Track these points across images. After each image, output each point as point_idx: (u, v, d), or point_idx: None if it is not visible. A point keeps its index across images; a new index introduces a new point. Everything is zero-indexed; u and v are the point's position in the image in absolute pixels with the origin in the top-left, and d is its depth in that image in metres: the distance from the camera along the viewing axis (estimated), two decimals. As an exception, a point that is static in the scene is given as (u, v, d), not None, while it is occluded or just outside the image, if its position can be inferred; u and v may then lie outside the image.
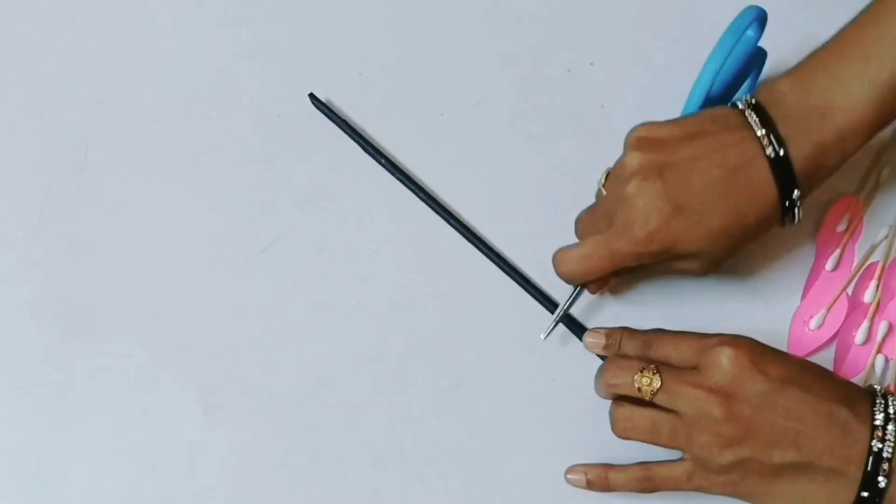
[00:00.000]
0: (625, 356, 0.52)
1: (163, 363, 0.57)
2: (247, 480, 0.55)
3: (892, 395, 0.47)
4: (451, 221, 0.58)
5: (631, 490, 0.51)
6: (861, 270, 0.57)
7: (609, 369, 0.51)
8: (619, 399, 0.51)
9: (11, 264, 0.59)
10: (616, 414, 0.50)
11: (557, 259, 0.53)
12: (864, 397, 0.47)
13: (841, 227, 0.58)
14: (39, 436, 0.56)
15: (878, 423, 0.45)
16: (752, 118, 0.49)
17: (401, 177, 0.59)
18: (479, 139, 0.60)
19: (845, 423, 0.45)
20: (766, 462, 0.46)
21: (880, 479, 0.45)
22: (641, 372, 0.49)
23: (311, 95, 0.60)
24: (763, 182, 0.48)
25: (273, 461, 0.56)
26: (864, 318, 0.56)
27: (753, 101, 0.49)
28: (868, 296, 0.56)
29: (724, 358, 0.47)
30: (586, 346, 0.54)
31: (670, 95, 0.59)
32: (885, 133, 0.59)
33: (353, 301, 0.58)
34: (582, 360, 0.55)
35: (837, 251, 0.57)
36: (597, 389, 0.52)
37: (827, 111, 0.48)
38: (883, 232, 0.58)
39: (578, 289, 0.55)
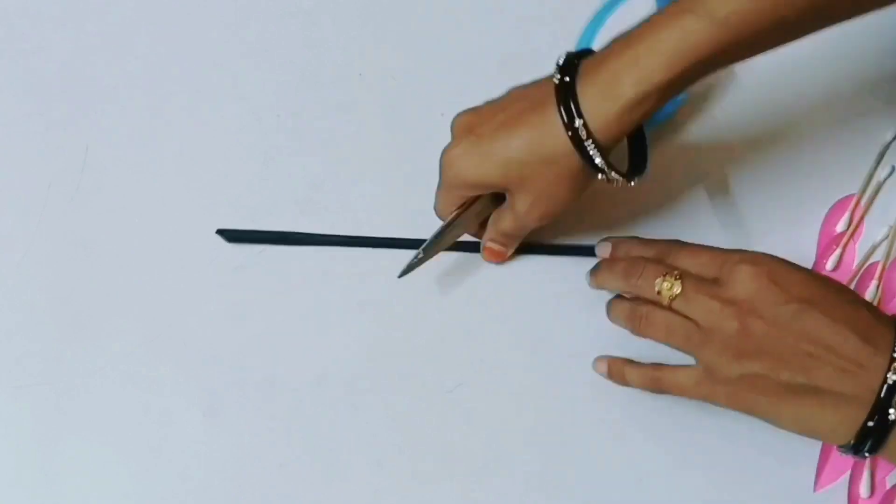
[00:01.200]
0: (644, 259, 0.51)
1: (163, 363, 0.57)
2: (247, 480, 0.55)
3: None
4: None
5: (642, 387, 0.51)
6: (862, 270, 0.57)
7: (631, 270, 0.50)
8: (636, 298, 0.51)
9: (11, 264, 0.59)
10: (636, 311, 0.50)
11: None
12: (888, 326, 0.45)
13: (841, 228, 0.58)
14: (39, 436, 0.56)
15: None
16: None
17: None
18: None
19: (860, 352, 0.44)
20: (774, 379, 0.46)
21: (891, 411, 0.44)
22: (664, 276, 0.48)
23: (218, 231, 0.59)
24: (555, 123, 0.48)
25: (273, 461, 0.56)
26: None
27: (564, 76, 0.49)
28: (868, 296, 0.56)
29: (745, 274, 0.46)
30: (597, 253, 0.54)
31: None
32: (887, 134, 0.59)
33: (353, 301, 0.58)
34: (582, 360, 0.55)
35: (838, 251, 0.57)
36: (609, 284, 0.52)
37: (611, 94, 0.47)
38: (883, 231, 0.58)
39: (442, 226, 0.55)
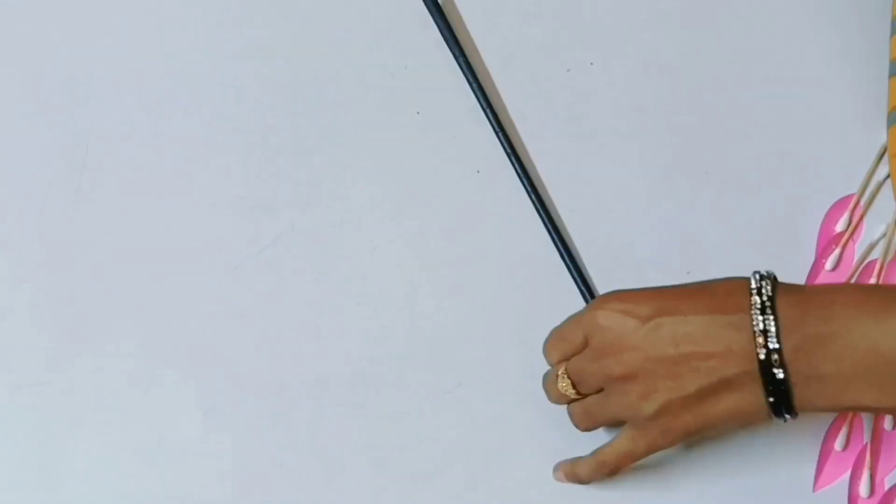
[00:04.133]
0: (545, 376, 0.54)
1: (163, 363, 0.57)
2: (247, 480, 0.55)
3: (766, 277, 0.47)
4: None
5: (600, 478, 0.53)
6: (860, 269, 0.57)
7: (544, 387, 0.54)
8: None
9: (11, 264, 0.59)
10: (568, 412, 0.53)
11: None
12: (739, 291, 0.47)
13: (840, 227, 0.58)
14: (39, 436, 0.56)
15: (755, 314, 0.45)
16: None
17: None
18: (479, 139, 0.60)
19: (728, 327, 0.46)
20: (683, 395, 0.47)
21: (776, 371, 0.45)
22: (557, 380, 0.51)
23: None
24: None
25: (273, 461, 0.56)
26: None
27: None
28: (868, 295, 0.56)
29: (598, 319, 0.48)
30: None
31: (670, 96, 0.59)
32: (887, 134, 0.59)
33: (353, 301, 0.58)
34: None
35: (837, 251, 0.57)
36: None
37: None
38: (881, 229, 0.57)
39: None
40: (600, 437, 0.54)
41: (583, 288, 0.56)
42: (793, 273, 0.57)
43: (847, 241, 0.57)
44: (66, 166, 0.61)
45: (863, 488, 0.54)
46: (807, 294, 0.47)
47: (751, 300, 0.46)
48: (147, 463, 0.56)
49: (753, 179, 0.59)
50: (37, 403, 0.57)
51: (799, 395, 0.46)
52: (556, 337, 0.53)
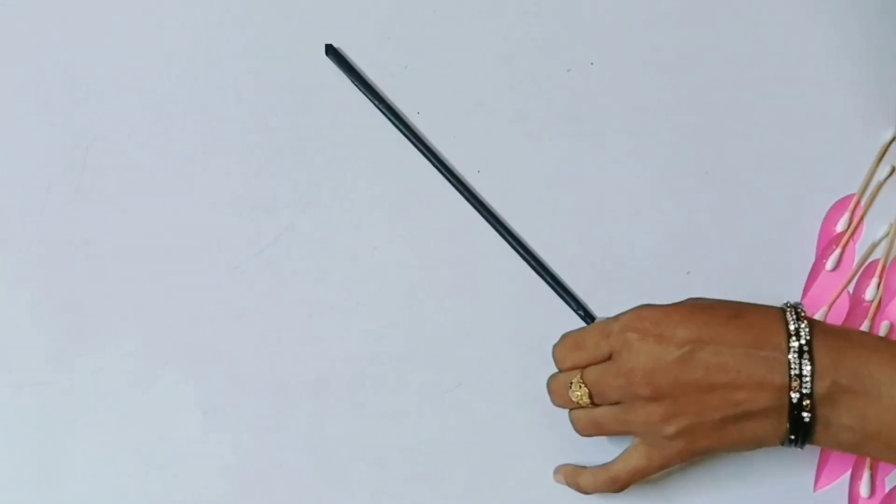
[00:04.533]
0: (558, 373, 0.53)
1: (163, 363, 0.57)
2: (247, 480, 0.55)
3: (801, 315, 0.47)
4: (481, 208, 0.58)
5: (602, 491, 0.53)
6: (862, 268, 0.57)
7: (551, 391, 0.53)
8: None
9: (11, 264, 0.59)
10: (571, 417, 0.53)
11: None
12: (776, 328, 0.47)
13: (841, 227, 0.58)
14: (39, 436, 0.56)
15: (793, 356, 0.46)
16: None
17: (413, 138, 0.58)
18: (479, 139, 0.60)
19: (762, 363, 0.46)
20: (707, 421, 0.47)
21: (804, 414, 0.46)
22: (570, 387, 0.51)
23: (328, 47, 0.58)
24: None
25: (273, 461, 0.56)
26: (866, 317, 0.56)
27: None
28: (869, 294, 0.56)
29: (632, 339, 0.48)
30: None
31: (670, 96, 0.59)
32: (887, 133, 0.59)
33: (353, 301, 0.58)
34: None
35: (837, 251, 0.57)
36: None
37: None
38: (883, 230, 0.57)
39: None
40: (601, 440, 0.54)
41: (568, 300, 0.57)
42: (793, 273, 0.57)
43: (847, 241, 0.57)
44: (66, 166, 0.61)
45: (863, 489, 0.54)
46: (844, 340, 0.47)
47: (789, 342, 0.47)
48: (147, 463, 0.56)
49: (753, 179, 0.59)
50: (37, 403, 0.57)
51: (819, 434, 0.47)
52: (571, 345, 0.52)
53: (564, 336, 0.53)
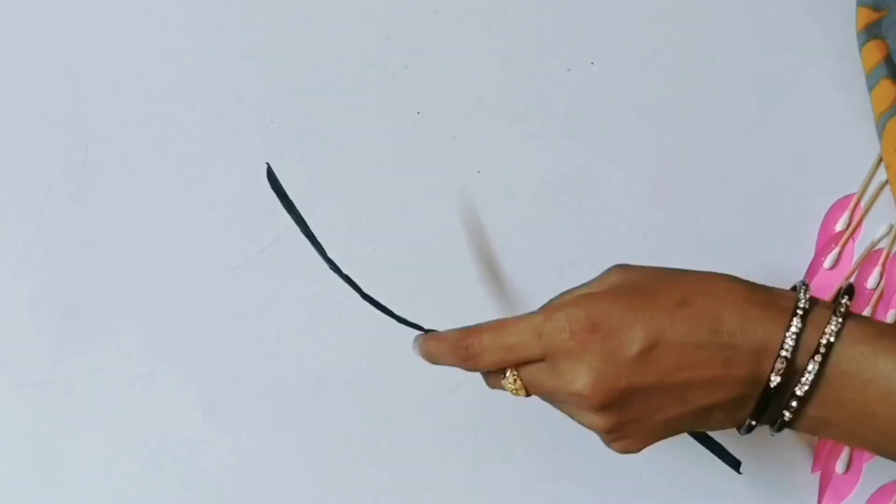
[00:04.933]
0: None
1: (163, 363, 0.57)
2: (247, 480, 0.55)
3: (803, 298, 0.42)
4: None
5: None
6: (861, 263, 0.57)
7: (484, 375, 0.47)
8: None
9: (11, 264, 0.59)
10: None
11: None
12: (733, 308, 0.42)
13: (840, 227, 0.58)
14: (39, 435, 0.56)
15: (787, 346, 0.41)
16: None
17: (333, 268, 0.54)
18: (479, 139, 0.60)
19: (720, 352, 0.41)
20: (657, 421, 0.43)
21: (786, 413, 0.41)
22: (504, 377, 0.45)
23: (269, 170, 0.53)
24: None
25: (273, 461, 0.56)
26: (867, 305, 0.56)
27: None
28: (871, 282, 0.56)
29: (570, 347, 0.42)
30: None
31: (670, 96, 0.59)
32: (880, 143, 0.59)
33: (353, 301, 0.58)
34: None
35: (836, 249, 0.57)
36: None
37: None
38: (882, 229, 0.57)
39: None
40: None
41: None
42: (792, 272, 0.58)
43: (847, 240, 0.58)
44: (66, 166, 0.61)
45: (839, 465, 0.54)
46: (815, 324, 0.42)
47: (775, 363, 0.41)
48: (147, 463, 0.56)
49: (753, 179, 0.59)
50: (37, 403, 0.57)
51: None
52: (496, 342, 0.45)
53: (488, 327, 0.46)
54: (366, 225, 0.59)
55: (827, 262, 0.57)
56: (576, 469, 0.55)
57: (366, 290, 0.58)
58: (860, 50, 0.58)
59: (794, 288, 0.43)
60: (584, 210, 0.59)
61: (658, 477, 0.55)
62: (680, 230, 0.58)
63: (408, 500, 0.55)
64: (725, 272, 0.56)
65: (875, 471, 0.53)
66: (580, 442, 0.55)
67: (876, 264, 0.57)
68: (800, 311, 0.41)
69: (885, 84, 0.56)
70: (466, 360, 0.46)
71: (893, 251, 0.57)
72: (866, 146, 0.59)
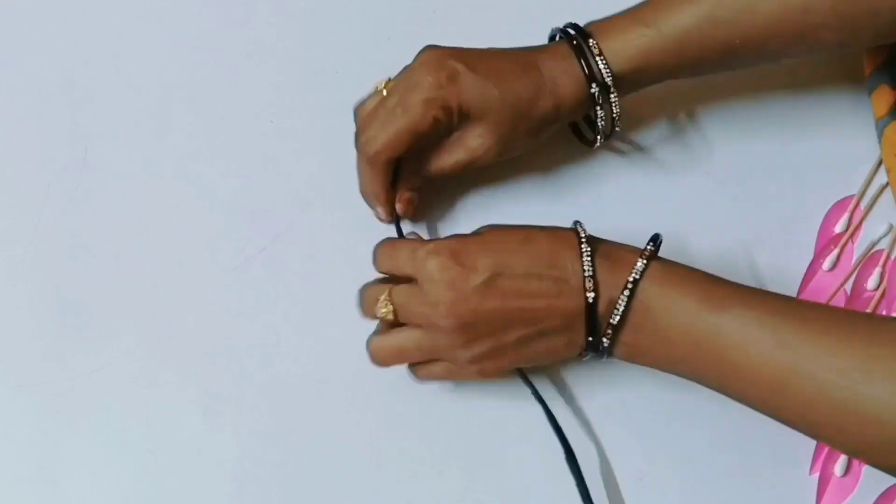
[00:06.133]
0: (374, 281, 0.54)
1: (163, 363, 0.57)
2: (247, 480, 0.55)
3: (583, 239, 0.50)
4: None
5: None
6: (861, 264, 0.57)
7: (362, 299, 0.54)
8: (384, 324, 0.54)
9: (11, 264, 0.59)
10: (369, 346, 0.54)
11: (362, 144, 0.54)
12: (565, 246, 0.50)
13: (840, 228, 0.58)
14: (39, 436, 0.56)
15: (587, 273, 0.49)
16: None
17: None
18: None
19: (554, 283, 0.49)
20: (506, 343, 0.50)
21: (604, 340, 0.50)
22: (378, 302, 0.52)
23: None
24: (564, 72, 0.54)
25: (273, 461, 0.56)
26: (867, 308, 0.56)
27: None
28: (871, 283, 0.56)
29: (434, 269, 0.50)
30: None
31: (669, 95, 0.59)
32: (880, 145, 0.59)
33: (353, 301, 0.58)
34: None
35: (836, 251, 0.57)
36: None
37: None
38: (882, 228, 0.57)
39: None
40: (602, 436, 0.54)
41: None
42: (791, 272, 0.58)
43: (846, 242, 0.58)
44: (66, 166, 0.61)
45: (837, 467, 0.54)
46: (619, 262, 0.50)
47: (582, 262, 0.49)
48: (147, 463, 0.56)
49: (753, 179, 0.59)
50: (37, 403, 0.57)
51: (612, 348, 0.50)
52: (388, 252, 0.53)
53: (387, 240, 0.54)
54: (366, 225, 0.59)
55: (826, 264, 0.57)
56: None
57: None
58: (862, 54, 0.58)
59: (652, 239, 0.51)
60: (584, 210, 0.59)
61: (658, 477, 0.55)
62: (680, 230, 0.58)
63: (408, 499, 0.55)
64: (724, 271, 0.57)
65: (875, 473, 0.53)
66: (580, 442, 0.55)
67: (876, 265, 0.57)
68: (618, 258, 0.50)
69: (884, 89, 0.56)
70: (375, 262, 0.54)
71: (894, 253, 0.57)
72: (866, 147, 0.59)
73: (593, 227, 0.58)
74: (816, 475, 0.54)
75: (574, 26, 0.55)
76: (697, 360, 0.48)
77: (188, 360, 0.57)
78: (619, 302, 0.49)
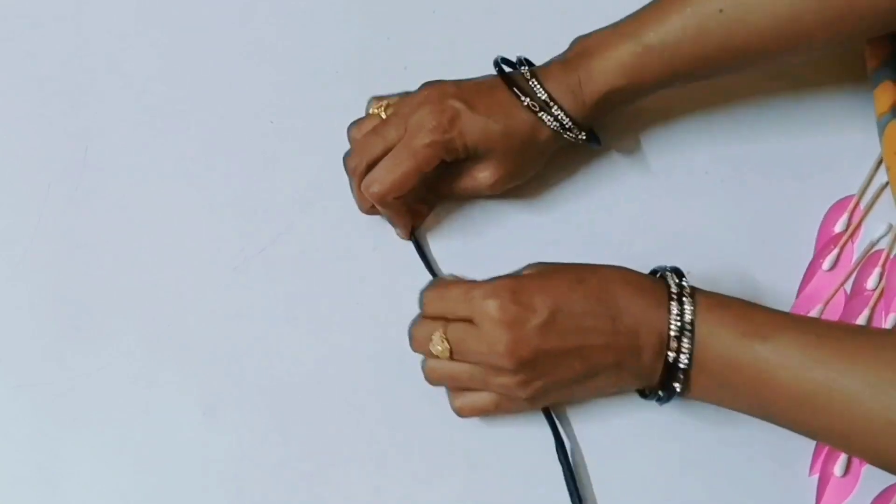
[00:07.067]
0: (425, 318, 0.54)
1: (163, 363, 0.57)
2: (247, 480, 0.55)
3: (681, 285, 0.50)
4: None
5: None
6: (861, 263, 0.57)
7: (412, 337, 0.54)
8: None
9: (11, 264, 0.59)
10: (424, 367, 0.54)
11: (367, 185, 0.55)
12: (615, 287, 0.50)
13: (839, 228, 0.58)
14: (39, 436, 0.56)
15: (673, 327, 0.49)
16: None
17: None
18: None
19: (609, 322, 0.49)
20: (562, 381, 0.51)
21: (676, 385, 0.50)
22: (432, 340, 0.52)
23: None
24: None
25: (273, 461, 0.56)
26: (866, 307, 0.56)
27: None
28: (871, 283, 0.56)
29: (493, 309, 0.49)
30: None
31: (669, 95, 0.59)
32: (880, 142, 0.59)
33: (353, 301, 0.58)
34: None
35: (835, 251, 0.57)
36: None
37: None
38: (883, 227, 0.57)
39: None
40: (602, 436, 0.54)
41: None
42: (791, 272, 0.58)
43: (846, 242, 0.58)
44: (66, 166, 0.61)
45: (837, 468, 0.54)
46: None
47: (669, 315, 0.49)
48: (147, 463, 0.56)
49: (753, 179, 0.59)
50: (37, 403, 0.57)
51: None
52: (439, 293, 0.53)
53: (436, 281, 0.55)
54: (366, 225, 0.59)
55: (826, 264, 0.57)
56: (576, 469, 0.55)
57: (366, 290, 0.58)
58: (863, 49, 0.58)
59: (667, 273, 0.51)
60: (585, 210, 0.59)
61: (658, 478, 0.55)
62: (680, 230, 0.58)
63: (408, 499, 0.55)
64: (724, 271, 0.57)
65: (874, 474, 0.53)
66: (581, 442, 0.55)
67: (875, 265, 0.57)
68: (674, 296, 0.50)
69: (887, 85, 0.56)
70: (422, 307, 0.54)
71: (894, 252, 0.57)
72: (866, 147, 0.59)
73: (594, 227, 0.59)
74: (816, 476, 0.54)
75: (505, 60, 0.57)
76: (742, 387, 0.49)
77: (188, 360, 0.57)
78: (684, 345, 0.49)
